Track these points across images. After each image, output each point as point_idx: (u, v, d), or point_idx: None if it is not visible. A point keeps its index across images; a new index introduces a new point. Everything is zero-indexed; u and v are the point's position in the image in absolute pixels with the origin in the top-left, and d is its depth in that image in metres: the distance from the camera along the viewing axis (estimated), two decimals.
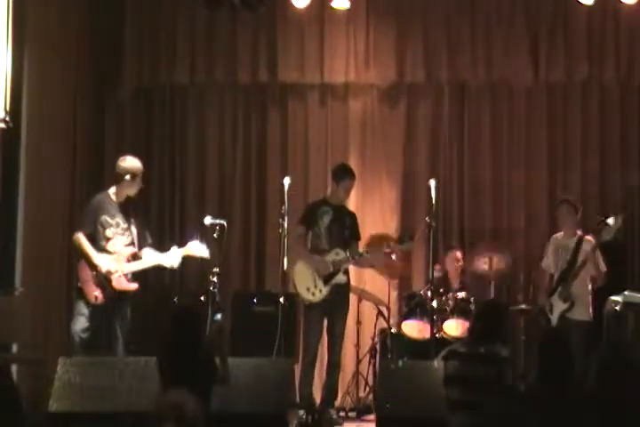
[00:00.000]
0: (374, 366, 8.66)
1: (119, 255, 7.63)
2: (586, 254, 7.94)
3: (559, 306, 7.98)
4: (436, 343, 7.88)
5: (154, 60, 9.62)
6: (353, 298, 8.43)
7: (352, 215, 8.30)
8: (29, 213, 8.11)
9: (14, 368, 7.66)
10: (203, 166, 9.78)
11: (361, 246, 8.24)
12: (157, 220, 9.58)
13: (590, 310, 8.05)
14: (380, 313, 8.83)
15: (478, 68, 9.46)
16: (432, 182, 8.14)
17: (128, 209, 7.75)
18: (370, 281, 8.96)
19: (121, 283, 7.59)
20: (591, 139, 9.56)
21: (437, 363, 7.02)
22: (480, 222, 9.57)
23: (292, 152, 9.74)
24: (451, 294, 8.65)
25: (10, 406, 4.70)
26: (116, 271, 7.56)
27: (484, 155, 9.64)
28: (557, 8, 9.40)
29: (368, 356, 8.82)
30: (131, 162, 7.77)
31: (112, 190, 7.78)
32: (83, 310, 7.53)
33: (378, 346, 8.77)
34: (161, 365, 5.86)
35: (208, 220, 8.06)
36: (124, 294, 7.62)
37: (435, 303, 8.24)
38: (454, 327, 8.47)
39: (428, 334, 8.07)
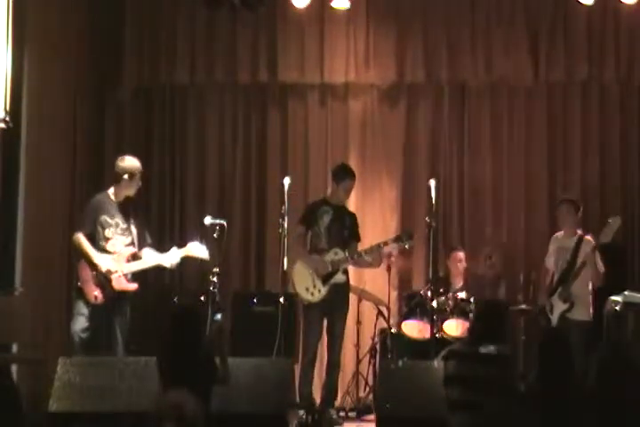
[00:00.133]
0: (374, 366, 8.66)
1: (119, 255, 7.63)
2: (585, 255, 7.93)
3: (559, 306, 7.97)
4: (436, 343, 7.89)
5: (154, 60, 9.62)
6: (353, 298, 8.43)
7: (352, 215, 8.31)
8: (29, 213, 8.12)
9: (14, 368, 7.66)
10: (203, 166, 9.78)
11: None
12: (157, 220, 9.58)
13: (590, 311, 8.05)
14: (379, 313, 8.82)
15: (478, 68, 9.46)
16: (432, 182, 8.14)
17: (128, 209, 7.75)
18: (370, 281, 8.95)
19: (121, 283, 7.59)
20: (591, 139, 9.56)
21: (437, 363, 7.04)
22: (480, 222, 9.58)
23: (292, 152, 9.74)
24: (451, 294, 8.65)
25: (10, 406, 4.70)
26: (116, 271, 7.57)
27: (484, 155, 9.64)
28: (557, 8, 9.40)
29: (368, 356, 8.82)
30: (129, 162, 7.77)
31: (111, 190, 7.79)
32: (82, 309, 7.54)
33: (378, 346, 8.77)
34: (161, 365, 5.86)
35: (208, 220, 8.06)
36: (123, 293, 7.63)
37: (435, 303, 8.24)
38: (454, 327, 8.47)
39: (427, 334, 8.06)
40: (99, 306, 7.53)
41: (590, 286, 8.06)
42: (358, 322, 8.87)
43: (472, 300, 8.55)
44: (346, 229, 8.13)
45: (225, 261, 8.54)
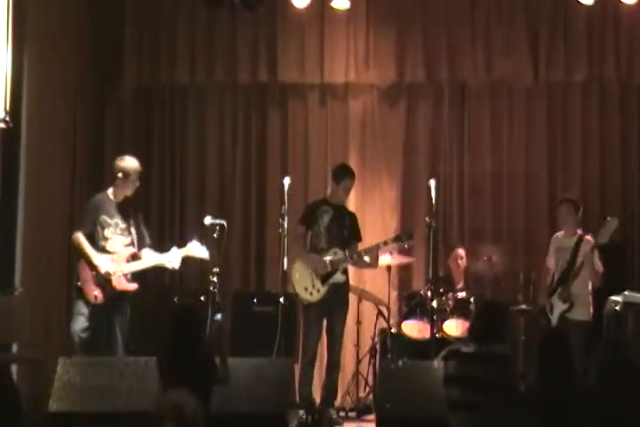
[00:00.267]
0: (374, 366, 8.66)
1: (119, 255, 7.63)
2: (584, 255, 7.93)
3: (559, 306, 7.96)
4: (436, 343, 7.89)
5: (154, 60, 9.62)
6: (353, 298, 8.43)
7: (352, 215, 8.30)
8: (29, 213, 8.12)
9: (14, 368, 7.66)
10: (203, 166, 9.79)
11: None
12: (157, 220, 9.58)
13: (590, 311, 8.04)
14: (380, 313, 8.82)
15: (478, 68, 9.46)
16: (432, 182, 8.15)
17: (127, 209, 7.76)
18: (370, 281, 8.95)
19: (121, 283, 7.60)
20: (591, 139, 9.56)
21: (437, 363, 7.03)
22: (480, 222, 9.58)
23: (292, 152, 9.74)
24: (451, 294, 8.65)
25: (10, 406, 4.69)
26: (116, 272, 7.57)
27: (484, 155, 9.64)
28: (557, 8, 9.41)
29: (368, 356, 8.81)
30: (127, 161, 7.78)
31: (110, 191, 7.80)
32: (82, 309, 7.54)
33: (378, 346, 8.76)
34: (161, 365, 5.85)
35: (208, 220, 8.06)
36: (123, 293, 7.63)
37: (435, 303, 8.24)
38: (454, 327, 8.47)
39: (428, 334, 8.07)
40: (99, 306, 7.53)
41: (590, 286, 8.06)
42: (358, 322, 8.86)
43: (472, 300, 8.55)
44: (346, 229, 8.13)
45: (225, 261, 8.53)
